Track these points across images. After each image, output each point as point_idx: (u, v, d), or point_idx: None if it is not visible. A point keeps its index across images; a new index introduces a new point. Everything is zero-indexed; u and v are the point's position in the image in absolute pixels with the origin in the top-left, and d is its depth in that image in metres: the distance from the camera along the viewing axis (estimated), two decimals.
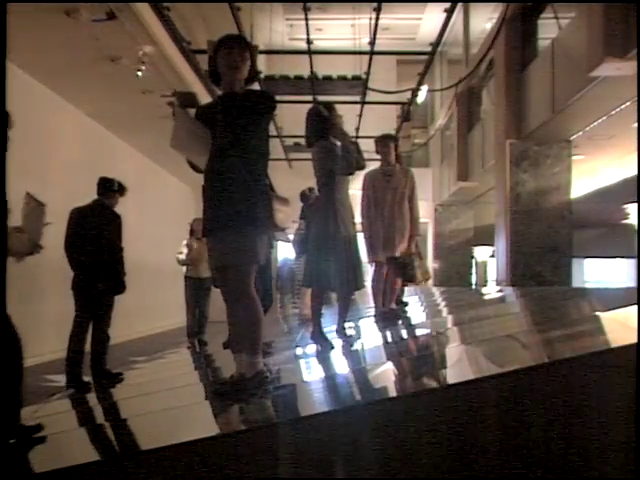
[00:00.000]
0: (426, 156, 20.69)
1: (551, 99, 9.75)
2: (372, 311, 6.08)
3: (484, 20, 15.23)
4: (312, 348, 4.53)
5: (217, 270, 3.10)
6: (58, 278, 8.99)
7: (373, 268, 5.63)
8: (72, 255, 5.83)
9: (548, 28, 10.76)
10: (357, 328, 5.92)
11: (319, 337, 4.46)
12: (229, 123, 2.98)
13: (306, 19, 9.03)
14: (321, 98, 11.10)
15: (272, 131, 14.06)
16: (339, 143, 4.51)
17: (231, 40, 3.18)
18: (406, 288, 6.80)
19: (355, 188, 4.67)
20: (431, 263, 19.06)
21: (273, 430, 2.18)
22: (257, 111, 3.03)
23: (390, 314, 5.66)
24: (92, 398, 4.94)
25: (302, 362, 4.64)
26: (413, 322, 6.17)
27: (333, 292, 4.80)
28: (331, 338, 4.53)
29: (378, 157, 5.74)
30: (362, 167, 4.76)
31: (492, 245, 13.69)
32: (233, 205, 2.91)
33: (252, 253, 2.96)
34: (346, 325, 4.84)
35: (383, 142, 5.72)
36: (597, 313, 4.40)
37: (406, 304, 6.52)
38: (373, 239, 5.53)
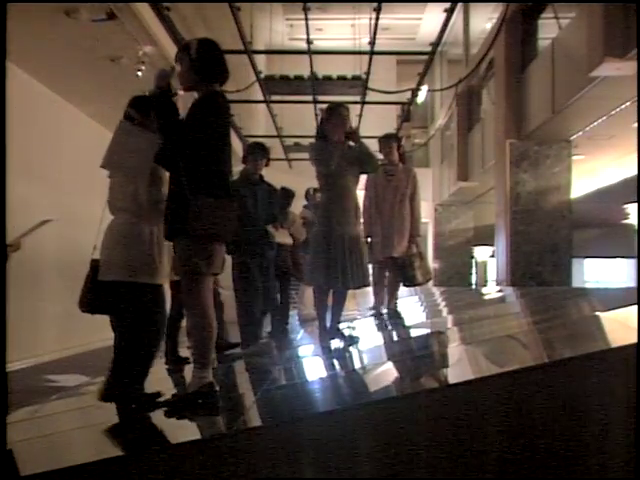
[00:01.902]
0: (426, 156, 20.69)
1: (551, 99, 9.75)
2: (372, 311, 6.07)
3: (484, 20, 15.23)
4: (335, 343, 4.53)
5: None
6: (57, 277, 8.99)
7: (372, 268, 5.62)
8: None
9: (548, 28, 10.75)
10: (356, 328, 5.92)
11: (335, 333, 4.50)
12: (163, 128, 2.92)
13: (306, 19, 9.03)
14: (321, 98, 11.11)
15: (272, 131, 14.06)
16: (351, 143, 4.52)
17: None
18: (406, 290, 6.75)
19: (358, 188, 4.66)
20: (431, 263, 19.06)
21: (273, 430, 2.18)
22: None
23: (391, 314, 5.64)
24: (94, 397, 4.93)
25: (302, 362, 4.65)
26: (413, 322, 6.16)
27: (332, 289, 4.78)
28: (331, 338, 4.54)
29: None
30: (372, 170, 4.74)
31: (492, 245, 13.69)
32: (181, 214, 2.83)
33: (202, 263, 2.86)
34: (345, 325, 4.85)
35: (386, 142, 5.71)
36: (597, 313, 4.41)
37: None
38: (373, 239, 5.52)
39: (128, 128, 3.07)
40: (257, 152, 5.50)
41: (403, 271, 5.59)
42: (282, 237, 6.19)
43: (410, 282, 5.72)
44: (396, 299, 5.84)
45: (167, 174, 3.06)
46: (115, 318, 3.32)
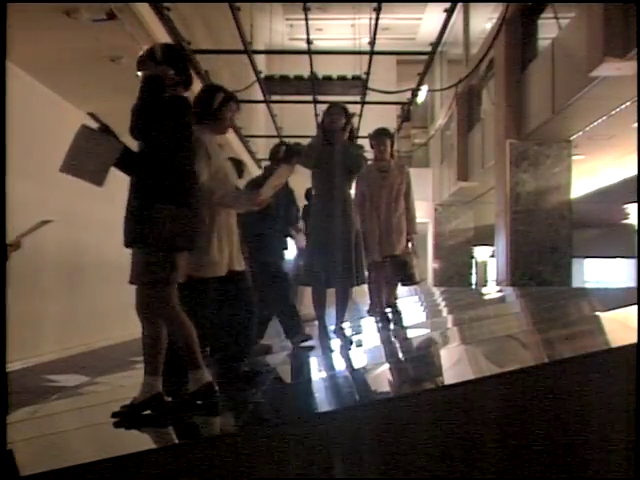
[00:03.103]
0: (426, 156, 20.70)
1: (551, 99, 9.75)
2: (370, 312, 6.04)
3: (484, 20, 15.23)
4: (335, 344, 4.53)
5: None
6: (57, 277, 8.99)
7: (368, 268, 5.33)
8: None
9: (548, 28, 10.76)
10: (356, 328, 5.92)
11: (337, 334, 4.50)
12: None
13: (306, 19, 9.03)
14: (321, 98, 11.11)
15: (272, 131, 14.07)
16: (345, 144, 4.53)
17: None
18: (405, 289, 6.72)
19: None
20: (431, 263, 19.06)
21: (273, 430, 2.18)
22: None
23: (392, 312, 5.57)
24: (96, 396, 4.93)
25: (302, 362, 4.64)
26: (413, 322, 6.15)
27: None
28: (330, 338, 4.54)
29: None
30: (356, 170, 4.67)
31: (492, 245, 13.70)
32: (140, 221, 2.78)
33: (161, 272, 2.80)
34: (344, 325, 4.85)
35: (379, 138, 5.52)
36: (597, 313, 4.41)
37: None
38: (369, 238, 5.31)
39: (88, 133, 3.03)
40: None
41: (403, 269, 5.52)
42: None
43: (410, 280, 5.64)
44: (396, 298, 5.79)
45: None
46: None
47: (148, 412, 2.74)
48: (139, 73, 3.11)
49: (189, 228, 2.85)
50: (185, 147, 2.93)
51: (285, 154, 5.04)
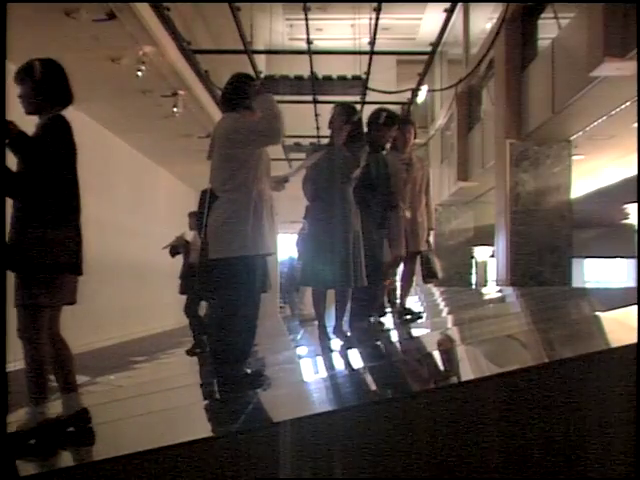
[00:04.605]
0: (426, 156, 20.68)
1: (551, 99, 9.75)
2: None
3: (484, 20, 15.22)
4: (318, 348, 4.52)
5: None
6: None
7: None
8: None
9: (548, 28, 10.75)
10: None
11: (338, 334, 4.49)
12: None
13: (306, 19, 9.05)
14: (321, 98, 11.12)
15: None
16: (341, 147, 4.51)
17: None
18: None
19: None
20: None
21: (273, 430, 2.18)
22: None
23: (409, 312, 5.44)
24: (96, 396, 4.93)
25: (302, 362, 4.64)
26: (413, 322, 6.14)
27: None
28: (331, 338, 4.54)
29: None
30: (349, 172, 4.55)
31: (492, 245, 13.69)
32: (20, 243, 2.71)
33: (41, 294, 2.72)
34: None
35: (404, 126, 5.18)
36: (597, 313, 4.40)
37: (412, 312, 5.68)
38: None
39: None
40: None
41: (427, 266, 5.40)
42: None
43: (433, 276, 5.47)
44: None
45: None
46: (221, 296, 3.32)
47: (33, 441, 2.60)
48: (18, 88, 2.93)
49: (68, 249, 2.72)
50: (65, 168, 2.77)
51: (385, 119, 4.89)
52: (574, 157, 11.29)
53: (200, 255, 5.12)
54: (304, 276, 4.63)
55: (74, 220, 2.78)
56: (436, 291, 10.82)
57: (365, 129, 4.83)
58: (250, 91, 3.34)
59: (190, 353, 7.28)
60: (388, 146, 5.09)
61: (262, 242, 3.28)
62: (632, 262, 20.02)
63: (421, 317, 5.61)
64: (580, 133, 10.60)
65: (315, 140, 12.22)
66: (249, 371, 3.38)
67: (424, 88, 11.60)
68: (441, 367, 3.23)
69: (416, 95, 11.75)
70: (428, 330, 5.54)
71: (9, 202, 3.14)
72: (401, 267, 5.50)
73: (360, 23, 12.93)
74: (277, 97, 3.47)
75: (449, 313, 7.06)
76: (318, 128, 12.83)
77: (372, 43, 9.33)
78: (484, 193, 15.31)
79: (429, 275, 5.50)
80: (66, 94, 2.95)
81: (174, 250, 8.10)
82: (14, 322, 2.72)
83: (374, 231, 4.77)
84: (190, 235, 8.01)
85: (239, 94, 3.37)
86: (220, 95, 3.43)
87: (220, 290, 3.27)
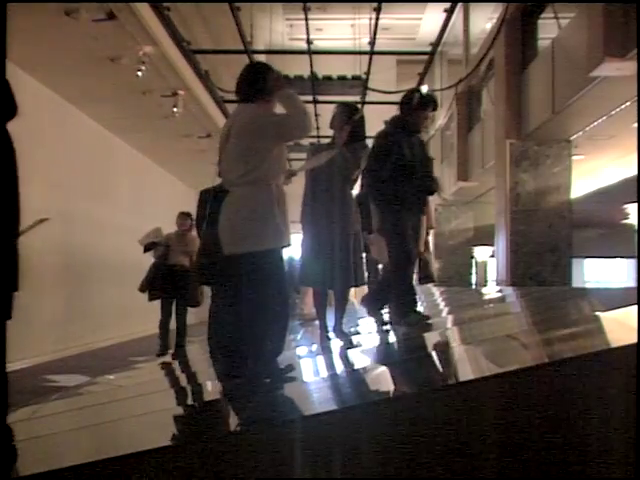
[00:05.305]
0: None
1: (551, 99, 9.75)
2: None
3: (484, 20, 15.22)
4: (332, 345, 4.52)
5: None
6: (57, 277, 8.99)
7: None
8: None
9: (548, 28, 10.76)
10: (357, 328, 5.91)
11: (338, 334, 4.49)
12: None
13: (306, 19, 9.06)
14: (321, 98, 11.12)
15: None
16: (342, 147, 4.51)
17: None
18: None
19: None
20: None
21: (273, 430, 2.18)
22: None
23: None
24: (96, 396, 4.93)
25: (302, 362, 4.64)
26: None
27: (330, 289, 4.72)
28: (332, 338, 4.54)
29: None
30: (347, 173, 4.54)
31: (492, 245, 13.69)
32: None
33: None
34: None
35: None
36: (597, 313, 4.40)
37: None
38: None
39: None
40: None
41: (424, 268, 5.39)
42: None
43: (430, 278, 5.49)
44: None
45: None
46: (237, 291, 3.29)
47: None
48: None
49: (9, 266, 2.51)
50: (9, 187, 2.52)
51: (419, 101, 4.69)
52: (574, 157, 11.30)
53: (199, 255, 5.10)
54: (304, 276, 4.63)
55: (11, 231, 2.52)
56: (436, 291, 10.82)
57: (398, 112, 4.78)
58: (268, 82, 3.31)
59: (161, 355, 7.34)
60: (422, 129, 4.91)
61: (288, 234, 3.31)
62: (632, 262, 20.02)
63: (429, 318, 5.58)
64: (580, 133, 10.60)
65: (315, 140, 12.22)
66: (282, 366, 3.40)
67: (424, 88, 11.60)
68: (441, 367, 3.23)
69: None
70: (428, 330, 5.53)
71: None
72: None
73: (360, 23, 12.94)
74: None
75: (449, 313, 7.05)
76: (318, 128, 12.84)
77: (372, 43, 9.35)
78: (484, 193, 15.31)
79: (425, 277, 5.51)
80: (11, 107, 2.67)
81: (152, 246, 7.70)
82: (14, 322, 2.71)
83: (409, 223, 4.57)
84: (172, 234, 7.72)
85: (257, 85, 3.32)
86: (236, 84, 3.37)
87: (247, 286, 3.23)
